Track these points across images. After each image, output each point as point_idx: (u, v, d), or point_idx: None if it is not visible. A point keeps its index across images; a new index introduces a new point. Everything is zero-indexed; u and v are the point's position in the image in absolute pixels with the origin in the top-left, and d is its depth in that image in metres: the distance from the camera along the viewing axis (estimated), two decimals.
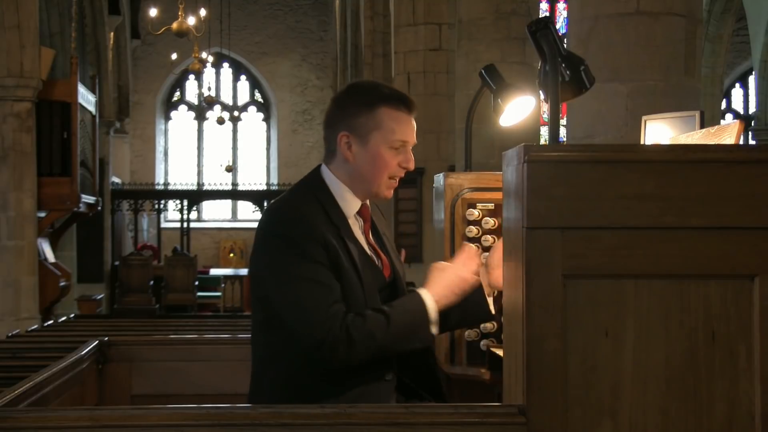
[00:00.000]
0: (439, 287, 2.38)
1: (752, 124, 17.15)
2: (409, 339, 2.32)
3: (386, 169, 2.36)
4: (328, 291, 2.25)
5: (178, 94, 23.03)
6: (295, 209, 2.34)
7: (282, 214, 2.35)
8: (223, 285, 16.29)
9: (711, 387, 1.86)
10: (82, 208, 11.33)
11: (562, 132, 7.07)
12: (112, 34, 17.10)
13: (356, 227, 2.41)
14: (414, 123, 2.41)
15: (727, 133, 2.27)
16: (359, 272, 2.31)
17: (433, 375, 2.49)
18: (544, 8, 16.87)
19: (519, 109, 3.17)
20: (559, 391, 1.83)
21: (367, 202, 2.46)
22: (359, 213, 2.43)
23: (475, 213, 3.04)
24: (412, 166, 2.39)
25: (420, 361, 2.46)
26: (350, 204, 2.40)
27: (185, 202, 19.28)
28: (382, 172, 2.36)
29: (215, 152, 22.92)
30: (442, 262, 2.43)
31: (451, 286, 2.38)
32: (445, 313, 2.42)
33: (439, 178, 3.13)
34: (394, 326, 2.28)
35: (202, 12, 15.01)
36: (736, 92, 21.34)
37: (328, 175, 2.41)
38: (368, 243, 2.43)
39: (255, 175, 22.38)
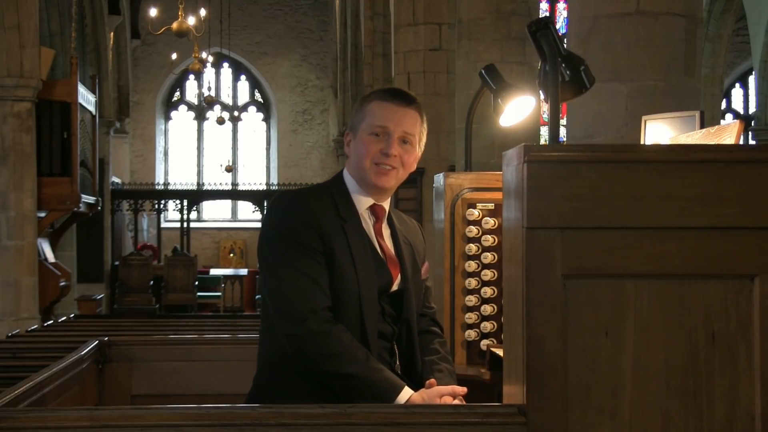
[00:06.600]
0: (419, 399, 2.30)
1: (752, 124, 17.16)
2: (361, 398, 2.28)
3: (368, 154, 2.42)
4: (312, 283, 2.31)
5: (178, 94, 23.01)
6: (294, 199, 2.42)
7: (279, 203, 2.44)
8: (223, 285, 16.30)
9: (711, 387, 1.86)
10: (82, 208, 11.33)
11: (562, 132, 7.07)
12: (112, 34, 17.09)
13: (368, 224, 2.49)
14: (406, 115, 2.44)
15: (727, 133, 2.27)
16: (356, 264, 2.36)
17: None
18: (544, 8, 16.87)
19: (519, 109, 3.16)
20: (559, 391, 1.83)
21: (385, 204, 2.52)
22: (372, 211, 2.49)
23: (475, 213, 3.04)
24: (391, 152, 2.41)
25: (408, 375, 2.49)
26: (361, 200, 2.48)
27: (185, 202, 19.26)
28: (365, 158, 2.43)
29: (215, 152, 22.90)
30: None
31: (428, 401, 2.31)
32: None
33: (439, 178, 3.13)
34: (360, 382, 2.26)
35: (202, 12, 15.01)
36: (736, 92, 21.33)
37: (345, 174, 2.53)
38: (378, 242, 2.48)
39: (255, 175, 22.35)
